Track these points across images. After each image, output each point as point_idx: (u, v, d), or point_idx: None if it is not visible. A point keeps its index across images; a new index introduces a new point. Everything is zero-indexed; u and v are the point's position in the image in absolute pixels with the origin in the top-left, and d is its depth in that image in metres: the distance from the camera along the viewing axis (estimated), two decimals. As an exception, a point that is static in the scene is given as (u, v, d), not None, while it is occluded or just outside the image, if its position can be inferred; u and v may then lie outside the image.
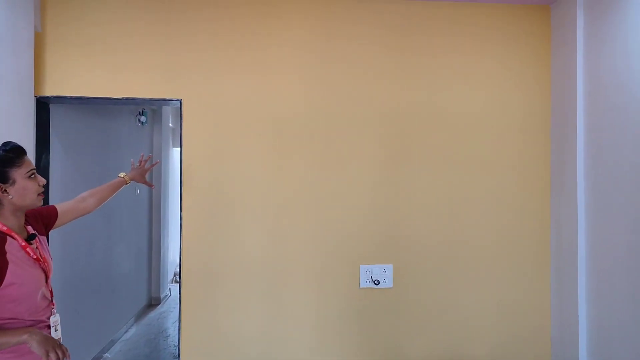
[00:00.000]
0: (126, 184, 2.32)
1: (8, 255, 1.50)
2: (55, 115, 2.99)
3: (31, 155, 2.59)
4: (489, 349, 2.94)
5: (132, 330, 4.79)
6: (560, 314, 2.87)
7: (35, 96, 2.65)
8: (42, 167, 2.75)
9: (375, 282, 2.85)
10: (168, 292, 6.28)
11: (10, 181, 1.53)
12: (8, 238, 1.53)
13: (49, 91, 2.69)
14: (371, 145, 2.89)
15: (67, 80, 2.71)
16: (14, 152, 1.55)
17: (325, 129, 2.86)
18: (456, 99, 2.92)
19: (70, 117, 3.47)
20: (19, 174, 1.54)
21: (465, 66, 2.92)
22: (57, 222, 1.87)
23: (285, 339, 2.83)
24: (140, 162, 2.52)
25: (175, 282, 6.80)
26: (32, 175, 1.59)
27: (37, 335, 1.46)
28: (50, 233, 1.91)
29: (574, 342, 2.71)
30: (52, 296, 1.70)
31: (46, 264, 1.65)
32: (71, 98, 2.70)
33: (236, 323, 2.80)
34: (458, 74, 2.92)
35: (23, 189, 1.54)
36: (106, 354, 4.13)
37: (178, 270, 2.70)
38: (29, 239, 1.62)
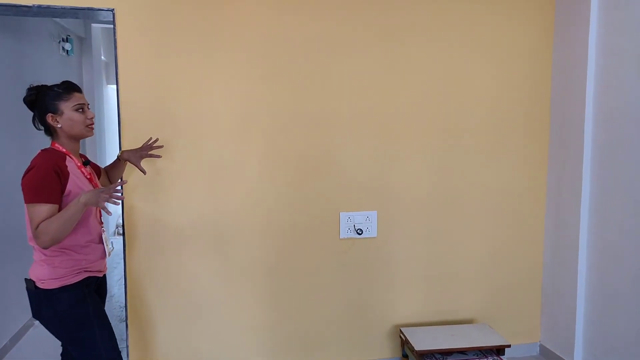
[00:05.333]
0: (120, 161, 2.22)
1: (68, 168, 1.76)
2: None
3: None
4: (479, 301, 2.70)
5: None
6: (554, 260, 2.65)
7: None
8: None
9: (358, 231, 2.48)
10: (111, 246, 5.70)
11: (59, 112, 1.78)
12: (67, 157, 1.80)
13: None
14: (355, 75, 2.43)
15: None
16: (62, 88, 1.80)
17: (304, 52, 2.37)
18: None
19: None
20: (66, 107, 1.78)
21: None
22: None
23: (251, 299, 2.44)
24: (144, 145, 2.22)
25: (119, 234, 6.21)
26: (80, 109, 1.81)
27: (87, 193, 1.68)
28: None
29: (571, 292, 2.51)
30: (100, 216, 1.95)
31: (97, 186, 1.91)
32: (-39, 3, 2.03)
33: (194, 282, 2.37)
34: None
35: (70, 119, 1.78)
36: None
37: (121, 221, 2.22)
38: (84, 164, 1.92)
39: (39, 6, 2.09)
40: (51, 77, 3.96)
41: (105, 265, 1.96)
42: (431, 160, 2.55)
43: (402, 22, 2.44)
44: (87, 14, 2.20)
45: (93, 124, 1.87)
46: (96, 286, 1.91)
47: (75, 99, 1.81)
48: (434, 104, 2.51)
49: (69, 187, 1.73)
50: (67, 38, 4.20)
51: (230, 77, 2.31)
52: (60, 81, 1.85)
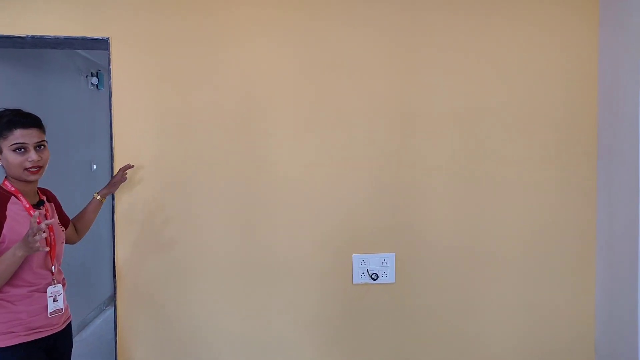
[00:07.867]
0: (103, 202, 2.03)
1: (8, 212, 1.57)
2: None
3: None
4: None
5: (90, 329, 4.15)
6: (609, 317, 2.23)
7: None
8: None
9: (373, 276, 2.19)
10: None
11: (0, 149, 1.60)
12: (12, 197, 1.61)
13: None
14: (371, 104, 2.20)
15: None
16: (4, 122, 1.59)
17: (315, 83, 2.17)
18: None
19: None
20: (4, 145, 1.58)
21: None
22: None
23: (259, 353, 2.19)
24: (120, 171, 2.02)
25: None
26: (18, 150, 1.59)
27: (19, 243, 1.47)
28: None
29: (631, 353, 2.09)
30: (53, 264, 1.69)
31: (51, 232, 1.67)
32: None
33: (197, 338, 2.14)
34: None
35: (6, 159, 1.58)
36: None
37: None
38: (38, 204, 1.70)
39: (33, 37, 2.01)
40: (79, 112, 3.99)
41: (61, 319, 1.72)
42: (458, 195, 2.24)
43: (422, 56, 2.21)
44: (82, 44, 2.12)
45: (36, 167, 1.62)
46: (48, 348, 1.67)
47: (15, 137, 1.58)
48: (461, 130, 2.23)
49: (3, 232, 1.53)
50: (97, 73, 4.25)
51: (229, 109, 2.14)
52: (17, 109, 1.67)
